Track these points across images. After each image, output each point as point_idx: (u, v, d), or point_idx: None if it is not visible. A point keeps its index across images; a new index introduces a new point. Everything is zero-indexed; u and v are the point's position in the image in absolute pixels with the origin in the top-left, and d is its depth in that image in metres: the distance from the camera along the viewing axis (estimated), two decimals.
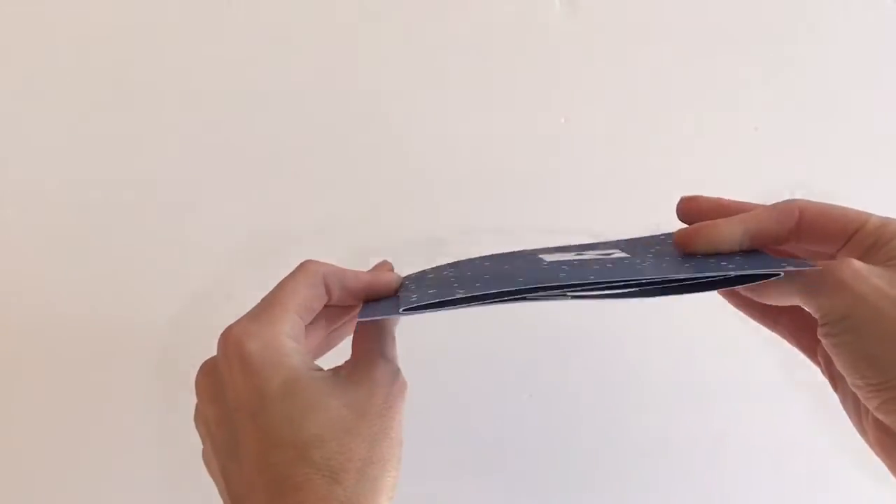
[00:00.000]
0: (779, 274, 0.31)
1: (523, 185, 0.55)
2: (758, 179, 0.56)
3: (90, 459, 0.56)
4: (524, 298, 0.32)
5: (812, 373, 0.37)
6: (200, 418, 0.34)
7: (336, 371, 0.33)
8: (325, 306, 0.35)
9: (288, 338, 0.32)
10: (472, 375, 0.58)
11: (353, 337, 0.35)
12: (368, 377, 0.33)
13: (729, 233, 0.33)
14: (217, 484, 0.33)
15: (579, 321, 0.57)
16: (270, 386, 0.31)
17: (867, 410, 0.32)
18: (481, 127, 0.54)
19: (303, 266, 0.35)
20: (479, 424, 0.58)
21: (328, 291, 0.35)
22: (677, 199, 0.36)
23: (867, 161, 0.57)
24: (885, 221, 0.31)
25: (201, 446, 0.34)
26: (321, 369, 0.33)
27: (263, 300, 0.34)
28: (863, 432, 0.34)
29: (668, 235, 0.36)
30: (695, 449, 0.59)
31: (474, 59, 0.54)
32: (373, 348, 0.34)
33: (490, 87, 0.54)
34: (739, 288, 0.33)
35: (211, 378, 0.33)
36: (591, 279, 0.31)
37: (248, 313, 0.33)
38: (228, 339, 0.32)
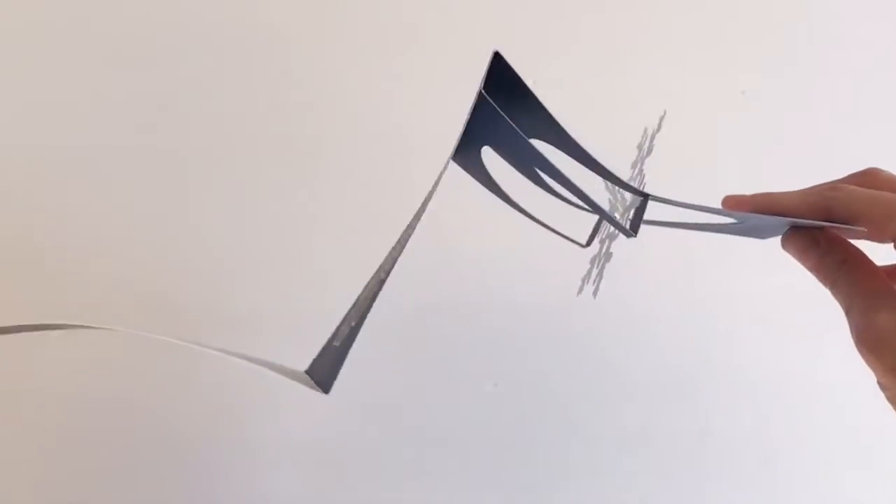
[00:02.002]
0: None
1: None
2: (741, 139, 0.54)
3: None
4: None
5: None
6: None
7: None
8: None
9: None
10: (430, 363, 0.54)
11: None
12: None
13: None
14: None
15: (550, 306, 0.54)
16: None
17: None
18: None
19: None
20: (440, 416, 0.55)
21: None
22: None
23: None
24: None
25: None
26: None
27: None
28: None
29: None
30: (676, 445, 0.57)
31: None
32: None
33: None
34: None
35: None
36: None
37: None
38: None
